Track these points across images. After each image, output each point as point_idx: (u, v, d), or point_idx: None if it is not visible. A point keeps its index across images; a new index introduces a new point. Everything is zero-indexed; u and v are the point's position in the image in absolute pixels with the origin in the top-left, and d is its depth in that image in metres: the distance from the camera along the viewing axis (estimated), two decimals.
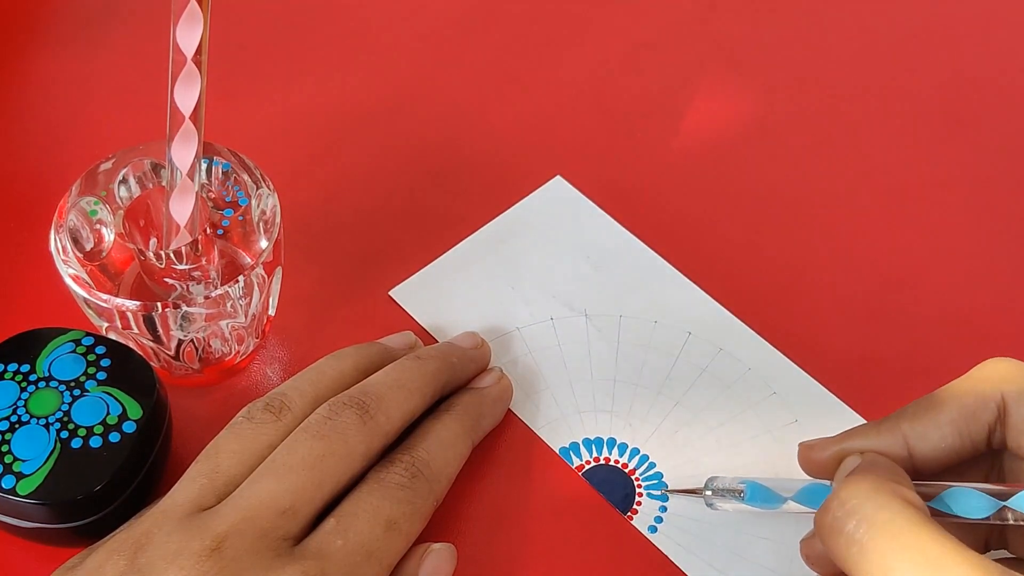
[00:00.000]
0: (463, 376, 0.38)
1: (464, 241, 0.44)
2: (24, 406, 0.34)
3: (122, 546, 0.31)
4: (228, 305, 0.36)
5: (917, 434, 0.31)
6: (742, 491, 0.34)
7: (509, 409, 0.39)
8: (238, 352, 0.39)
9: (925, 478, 0.31)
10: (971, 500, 0.29)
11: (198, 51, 0.33)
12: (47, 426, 0.34)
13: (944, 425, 0.31)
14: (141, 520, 0.32)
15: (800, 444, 0.34)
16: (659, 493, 0.37)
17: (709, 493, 0.35)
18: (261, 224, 0.38)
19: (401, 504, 0.33)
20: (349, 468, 0.33)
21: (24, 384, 0.35)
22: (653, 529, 0.37)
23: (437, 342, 0.41)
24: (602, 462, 0.38)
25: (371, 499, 0.32)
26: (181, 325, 0.36)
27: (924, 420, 0.31)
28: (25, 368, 0.35)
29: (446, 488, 0.35)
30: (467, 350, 0.39)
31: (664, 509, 0.37)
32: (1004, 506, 0.29)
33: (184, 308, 0.35)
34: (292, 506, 0.31)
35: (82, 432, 0.34)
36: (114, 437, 0.34)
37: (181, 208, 0.36)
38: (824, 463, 0.33)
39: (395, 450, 0.34)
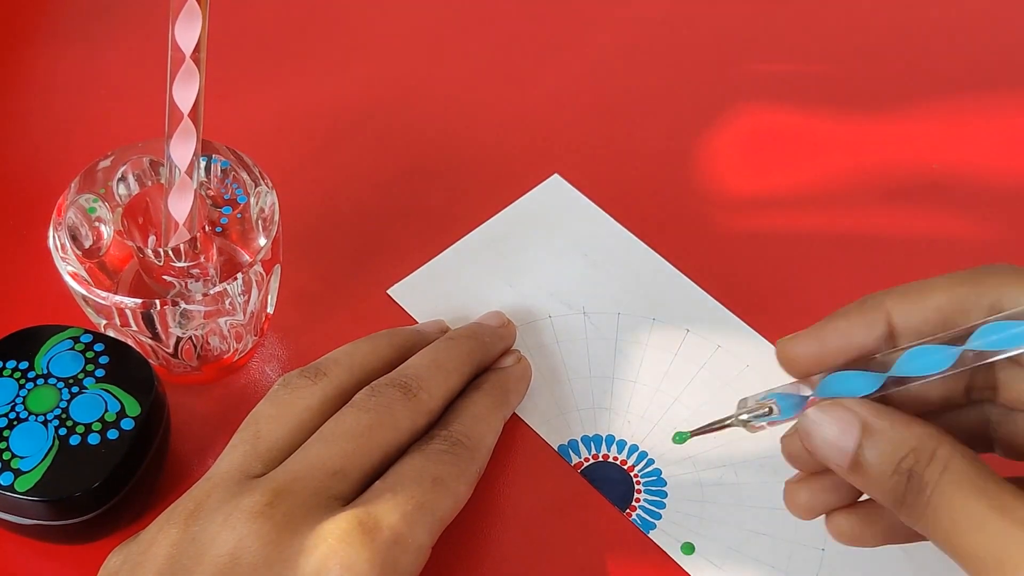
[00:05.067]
0: (493, 354, 0.39)
1: (462, 239, 0.44)
2: (23, 403, 0.34)
3: (174, 517, 0.31)
4: (227, 303, 0.36)
5: (901, 311, 0.28)
6: (771, 408, 0.30)
7: None
8: (237, 350, 0.39)
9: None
10: (931, 355, 0.27)
11: (196, 49, 0.33)
12: (45, 423, 0.34)
13: (930, 310, 0.28)
14: (191, 493, 0.32)
15: (778, 343, 0.30)
16: (687, 433, 0.33)
17: (745, 417, 0.31)
18: (260, 222, 0.38)
19: (445, 465, 0.33)
20: (395, 440, 0.34)
21: (23, 381, 0.35)
22: (652, 526, 0.37)
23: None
24: (600, 459, 0.38)
25: (415, 462, 0.33)
26: (180, 322, 0.36)
27: (911, 300, 0.28)
28: (24, 365, 0.35)
29: (486, 457, 0.36)
30: (496, 329, 0.40)
31: (663, 506, 0.37)
32: (964, 350, 0.27)
33: (183, 305, 0.35)
34: (342, 469, 0.32)
35: (80, 429, 0.34)
36: (112, 434, 0.34)
37: (180, 206, 0.36)
38: (806, 366, 0.30)
39: (433, 428, 0.35)
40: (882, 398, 0.28)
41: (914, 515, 0.27)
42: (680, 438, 0.33)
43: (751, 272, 0.44)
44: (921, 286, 0.28)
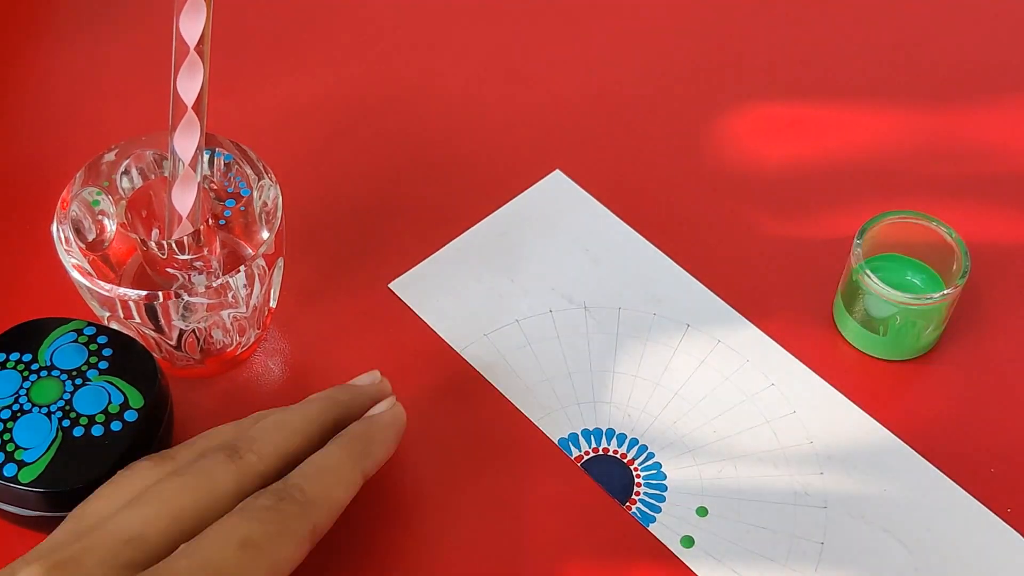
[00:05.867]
0: (356, 412, 0.36)
1: (464, 234, 0.44)
2: (26, 395, 0.35)
3: None
4: (229, 296, 0.37)
5: None
6: None
7: (508, 400, 0.39)
8: (239, 343, 0.39)
9: None
10: None
11: (201, 41, 0.33)
12: (49, 415, 0.34)
13: None
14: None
15: None
16: None
17: None
18: (263, 215, 0.38)
19: (261, 523, 0.31)
20: (214, 504, 0.31)
21: (26, 373, 0.35)
22: (651, 519, 0.37)
23: (436, 334, 0.41)
24: (601, 453, 0.38)
25: (227, 522, 0.31)
26: (183, 315, 0.36)
27: None
28: (27, 357, 0.35)
29: (327, 514, 0.32)
30: (362, 387, 0.37)
31: (663, 499, 0.37)
32: None
33: (186, 298, 0.36)
34: (140, 535, 0.30)
35: (84, 421, 0.34)
36: (116, 426, 0.34)
37: (183, 199, 0.36)
38: None
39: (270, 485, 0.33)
40: None
41: None
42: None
43: (752, 267, 0.44)
44: None
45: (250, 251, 0.39)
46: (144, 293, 0.35)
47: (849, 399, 0.40)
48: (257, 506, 0.31)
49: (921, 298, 0.39)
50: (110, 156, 0.38)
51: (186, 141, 0.35)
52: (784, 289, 0.43)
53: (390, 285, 0.43)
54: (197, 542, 0.30)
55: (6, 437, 0.34)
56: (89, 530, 0.31)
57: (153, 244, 0.37)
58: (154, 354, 0.37)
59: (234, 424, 0.35)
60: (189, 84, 0.34)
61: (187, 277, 0.38)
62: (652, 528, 0.37)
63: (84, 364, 0.35)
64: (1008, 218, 0.46)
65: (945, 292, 0.39)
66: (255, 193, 0.38)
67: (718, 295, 0.42)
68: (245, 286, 0.37)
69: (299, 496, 0.32)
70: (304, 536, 0.31)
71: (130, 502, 0.31)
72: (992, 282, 0.43)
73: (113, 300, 0.36)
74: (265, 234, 0.37)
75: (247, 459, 0.32)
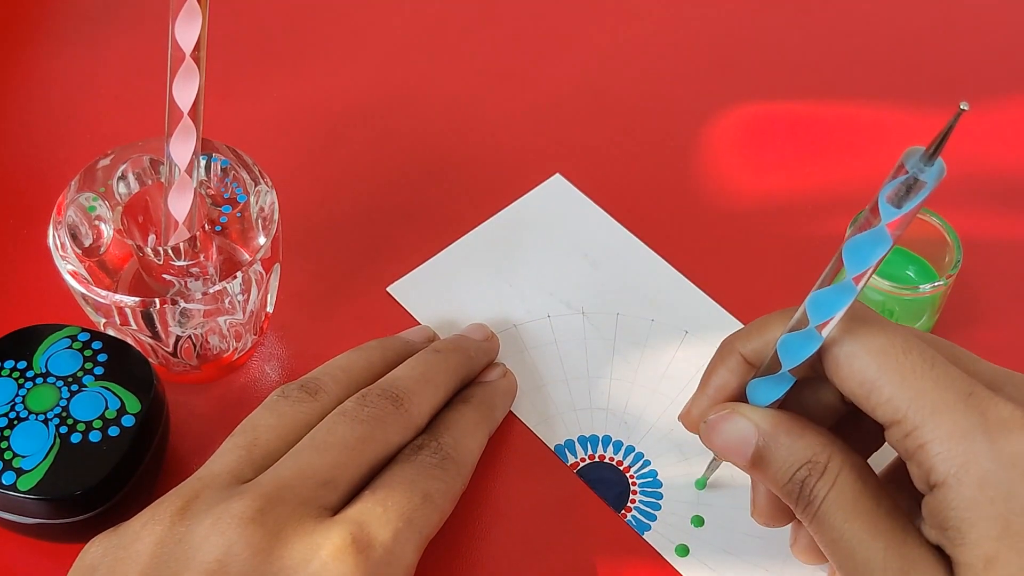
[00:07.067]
0: (478, 368, 0.39)
1: (463, 238, 0.44)
2: (22, 402, 0.35)
3: (160, 513, 0.31)
4: (226, 301, 0.36)
5: (748, 348, 0.31)
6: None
7: None
8: (236, 349, 0.39)
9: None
10: (794, 341, 0.29)
11: (196, 47, 0.33)
12: (46, 421, 0.34)
13: (770, 342, 0.31)
14: (178, 490, 0.32)
15: (680, 419, 0.33)
16: (704, 477, 0.37)
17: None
18: (259, 221, 0.38)
19: (435, 480, 0.33)
20: (385, 454, 0.34)
21: (21, 380, 0.35)
22: (647, 527, 0.37)
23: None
24: (597, 460, 0.38)
25: (405, 474, 0.33)
26: (179, 321, 0.36)
27: (754, 337, 0.31)
28: (22, 365, 0.35)
29: (470, 473, 0.35)
30: (480, 343, 0.39)
31: (658, 507, 0.37)
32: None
33: (182, 304, 0.36)
34: (332, 479, 0.32)
35: (81, 427, 0.34)
36: (113, 431, 0.34)
37: (179, 204, 0.36)
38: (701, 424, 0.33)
39: (421, 436, 0.35)
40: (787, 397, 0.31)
41: (805, 519, 0.30)
42: (701, 484, 0.37)
43: (751, 274, 0.44)
44: (761, 323, 0.32)
45: (247, 256, 0.39)
46: (140, 299, 0.35)
47: None
48: (426, 463, 0.34)
49: (912, 289, 0.39)
50: (106, 161, 0.38)
51: (182, 147, 0.35)
52: (784, 296, 0.43)
53: (388, 289, 0.43)
54: (387, 491, 0.32)
55: (3, 445, 0.34)
56: (276, 467, 0.32)
57: (149, 250, 0.37)
58: (150, 359, 0.37)
59: (363, 358, 0.37)
60: (185, 90, 0.34)
61: (183, 283, 0.38)
62: (647, 536, 0.37)
63: (79, 370, 0.35)
64: (1001, 211, 0.46)
65: (936, 283, 0.39)
66: (252, 198, 0.38)
67: (717, 301, 0.42)
68: (242, 292, 0.37)
69: (455, 456, 0.34)
70: (459, 493, 0.34)
71: (313, 443, 0.33)
72: (985, 274, 0.43)
73: (109, 306, 0.36)
74: (262, 239, 0.37)
75: (410, 412, 0.34)
